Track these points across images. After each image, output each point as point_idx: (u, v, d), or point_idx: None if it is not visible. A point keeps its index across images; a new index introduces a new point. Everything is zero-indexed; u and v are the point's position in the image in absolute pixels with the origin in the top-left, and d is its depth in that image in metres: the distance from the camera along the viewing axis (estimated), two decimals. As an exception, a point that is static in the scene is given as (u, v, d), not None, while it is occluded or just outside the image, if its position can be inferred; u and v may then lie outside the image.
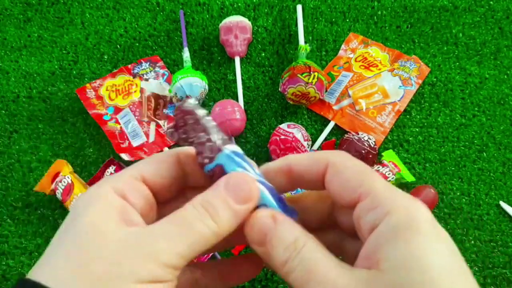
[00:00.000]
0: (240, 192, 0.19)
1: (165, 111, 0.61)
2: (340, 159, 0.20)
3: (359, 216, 0.19)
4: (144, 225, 0.19)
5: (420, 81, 0.61)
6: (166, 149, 0.58)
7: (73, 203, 0.20)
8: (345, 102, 0.60)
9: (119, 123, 0.59)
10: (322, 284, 0.17)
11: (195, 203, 0.19)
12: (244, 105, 0.60)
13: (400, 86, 0.60)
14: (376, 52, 0.64)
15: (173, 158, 0.22)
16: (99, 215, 0.18)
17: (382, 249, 0.17)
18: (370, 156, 0.53)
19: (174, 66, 0.64)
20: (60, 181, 0.53)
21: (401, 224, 0.17)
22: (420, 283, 0.16)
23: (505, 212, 0.55)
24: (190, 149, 0.22)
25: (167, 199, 0.22)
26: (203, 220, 0.18)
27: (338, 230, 0.23)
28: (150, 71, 0.63)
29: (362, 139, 0.53)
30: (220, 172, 0.20)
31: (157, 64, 0.64)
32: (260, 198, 0.20)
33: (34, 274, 0.17)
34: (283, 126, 0.56)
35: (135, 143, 0.58)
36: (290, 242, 0.19)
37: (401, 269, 0.16)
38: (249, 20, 0.65)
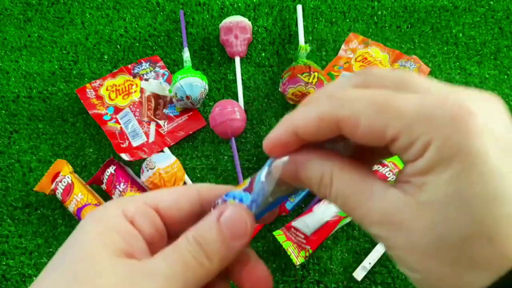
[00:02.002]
0: (235, 230, 0.19)
1: (165, 111, 0.61)
2: (349, 108, 0.16)
3: (399, 153, 0.16)
4: (143, 257, 0.18)
5: (420, 81, 0.61)
6: (166, 149, 0.58)
7: (82, 221, 0.19)
8: (345, 102, 0.60)
9: (119, 123, 0.59)
10: (365, 213, 0.16)
11: (189, 237, 0.18)
12: (244, 105, 0.60)
13: (400, 86, 0.60)
14: (376, 52, 0.64)
15: (193, 193, 0.21)
16: (99, 240, 0.18)
17: (426, 178, 0.15)
18: (370, 156, 0.53)
19: (174, 66, 0.64)
20: (60, 181, 0.53)
21: (446, 155, 0.14)
22: (464, 220, 0.14)
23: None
24: (212, 186, 0.21)
25: (180, 232, 0.21)
26: (198, 258, 0.18)
27: None
28: (150, 71, 0.63)
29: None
30: None
31: (157, 64, 0.64)
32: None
33: None
34: (283, 126, 0.56)
35: (135, 143, 0.58)
36: (318, 181, 0.18)
37: (444, 204, 0.14)
38: (249, 20, 0.65)
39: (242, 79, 0.62)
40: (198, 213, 0.21)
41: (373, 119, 0.15)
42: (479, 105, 0.15)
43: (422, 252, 0.15)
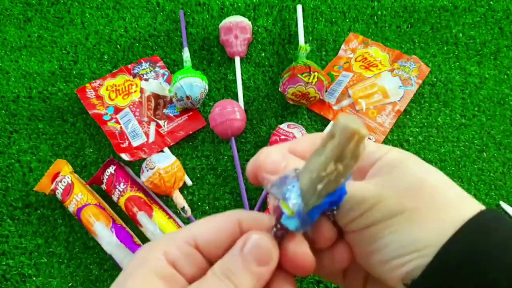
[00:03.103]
0: (260, 255, 0.19)
1: (165, 111, 0.61)
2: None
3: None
4: None
5: (420, 81, 0.61)
6: (166, 149, 0.58)
7: (130, 262, 0.20)
8: (345, 102, 0.60)
9: (119, 123, 0.59)
10: (355, 196, 0.20)
11: (216, 271, 0.19)
12: (244, 105, 0.60)
13: (400, 86, 0.60)
14: (376, 52, 0.64)
15: (233, 225, 0.20)
16: (142, 285, 0.18)
17: (390, 164, 0.21)
18: (370, 156, 0.53)
19: (174, 66, 0.64)
20: (60, 181, 0.53)
21: (403, 156, 0.21)
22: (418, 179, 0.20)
23: (505, 212, 0.55)
24: (254, 214, 0.21)
25: None
26: None
27: None
28: (150, 71, 0.63)
29: (362, 139, 0.53)
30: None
31: (157, 64, 0.64)
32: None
33: None
34: (283, 126, 0.56)
35: (135, 143, 0.58)
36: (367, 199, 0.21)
37: (410, 171, 0.20)
38: (249, 20, 0.65)
39: (242, 79, 0.62)
40: None
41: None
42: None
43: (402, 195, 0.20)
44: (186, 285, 0.19)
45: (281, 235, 0.19)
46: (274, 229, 0.20)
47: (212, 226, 0.20)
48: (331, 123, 0.20)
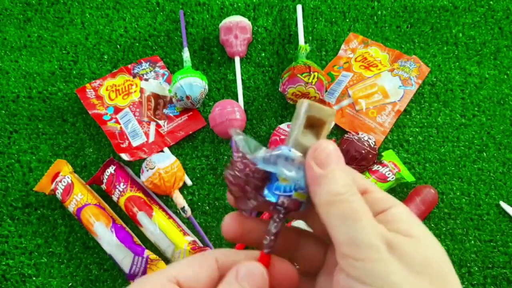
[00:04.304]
0: (254, 281, 0.20)
1: (165, 111, 0.61)
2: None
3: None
4: None
5: (420, 81, 0.61)
6: (166, 149, 0.58)
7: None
8: (345, 102, 0.60)
9: (119, 123, 0.59)
10: (370, 225, 0.19)
11: None
12: (244, 105, 0.60)
13: (400, 86, 0.60)
14: (376, 52, 0.64)
15: (211, 262, 0.22)
16: None
17: (400, 225, 0.20)
18: (370, 156, 0.53)
19: (174, 66, 0.64)
20: (60, 181, 0.53)
21: (409, 215, 0.21)
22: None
23: (505, 212, 0.55)
24: (228, 252, 0.22)
25: None
26: None
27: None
28: (150, 71, 0.63)
29: (362, 139, 0.53)
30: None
31: (157, 64, 0.64)
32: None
33: None
34: (283, 126, 0.56)
35: (135, 143, 0.58)
36: (348, 181, 0.20)
37: (422, 241, 0.19)
38: (249, 20, 0.65)
39: (242, 79, 0.62)
40: (218, 280, 0.22)
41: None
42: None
43: (411, 268, 0.19)
44: None
45: (284, 216, 0.21)
46: (276, 224, 0.21)
47: (191, 263, 0.22)
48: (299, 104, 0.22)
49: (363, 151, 0.52)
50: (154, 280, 0.20)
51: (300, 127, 0.21)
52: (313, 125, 0.21)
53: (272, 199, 0.21)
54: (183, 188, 0.56)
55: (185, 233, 0.52)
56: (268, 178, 0.21)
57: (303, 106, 0.21)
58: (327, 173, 0.20)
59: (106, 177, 0.53)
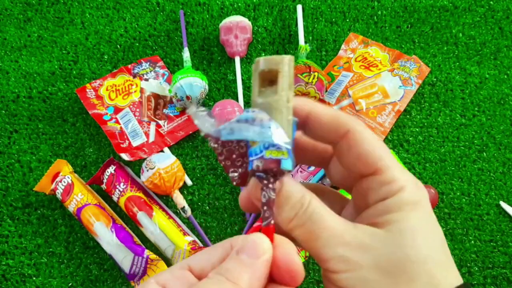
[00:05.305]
0: (252, 249, 0.19)
1: (165, 111, 0.61)
2: (362, 128, 0.20)
3: (371, 187, 0.20)
4: None
5: (420, 81, 0.61)
6: (166, 149, 0.58)
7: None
8: (345, 102, 0.60)
9: (119, 123, 0.59)
10: (331, 238, 0.19)
11: (210, 275, 0.19)
12: (244, 105, 0.60)
13: (400, 86, 0.60)
14: (376, 52, 0.64)
15: (225, 244, 0.21)
16: None
17: (390, 216, 0.19)
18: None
19: (174, 66, 0.64)
20: (60, 181, 0.53)
21: (410, 202, 0.19)
22: (410, 259, 0.18)
23: (505, 212, 0.55)
24: (244, 236, 0.21)
25: None
26: (220, 285, 0.18)
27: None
28: (150, 71, 0.63)
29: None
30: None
31: (157, 64, 0.64)
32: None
33: None
34: (283, 126, 0.56)
35: (135, 143, 0.58)
36: (297, 200, 0.19)
37: (402, 237, 0.18)
38: (249, 20, 0.65)
39: (242, 79, 0.62)
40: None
41: (374, 147, 0.20)
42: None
43: (383, 269, 0.18)
44: None
45: (269, 182, 0.19)
46: (264, 193, 0.19)
47: (204, 250, 0.21)
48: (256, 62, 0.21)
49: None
50: (167, 270, 0.20)
51: (255, 87, 0.20)
52: (274, 81, 0.20)
53: (248, 168, 0.19)
54: (183, 188, 0.56)
55: (185, 233, 0.52)
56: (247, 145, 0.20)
57: (254, 65, 0.20)
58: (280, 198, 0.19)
59: (106, 177, 0.53)
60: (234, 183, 0.21)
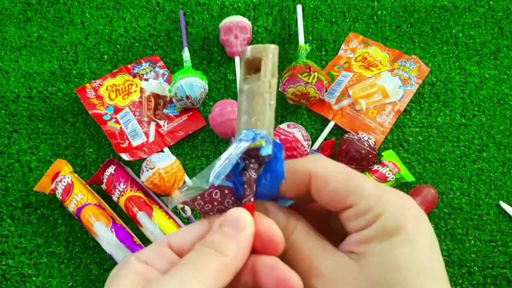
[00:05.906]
0: (235, 222, 0.20)
1: (165, 111, 0.61)
2: (322, 168, 0.21)
3: (348, 220, 0.20)
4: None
5: (420, 81, 0.61)
6: (166, 149, 0.58)
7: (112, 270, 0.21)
8: (345, 102, 0.60)
9: (119, 123, 0.59)
10: (307, 270, 0.20)
11: (196, 247, 0.19)
12: (244, 105, 0.60)
13: (400, 86, 0.60)
14: (376, 52, 0.64)
15: (204, 224, 0.22)
16: (119, 283, 0.19)
17: (368, 246, 0.19)
18: (370, 156, 0.53)
19: (174, 66, 0.64)
20: (60, 181, 0.53)
21: (389, 229, 0.19)
22: (395, 283, 0.18)
23: (505, 212, 0.55)
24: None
25: None
26: (209, 256, 0.19)
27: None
28: (150, 71, 0.63)
29: (362, 139, 0.53)
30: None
31: (157, 64, 0.64)
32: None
33: None
34: (283, 126, 0.56)
35: (135, 143, 0.58)
36: (281, 227, 0.20)
37: (381, 269, 0.18)
38: (249, 20, 0.65)
39: (242, 79, 0.62)
40: None
41: (340, 183, 0.20)
42: (415, 204, 0.20)
43: None
44: (159, 275, 0.20)
45: (254, 170, 0.21)
46: (246, 172, 0.21)
47: (184, 228, 0.22)
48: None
49: (363, 151, 0.52)
50: (147, 248, 0.21)
51: (242, 74, 0.22)
52: (259, 68, 0.21)
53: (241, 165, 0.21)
54: (183, 188, 0.56)
55: (185, 233, 0.52)
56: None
57: (242, 53, 0.21)
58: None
59: (106, 177, 0.53)
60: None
